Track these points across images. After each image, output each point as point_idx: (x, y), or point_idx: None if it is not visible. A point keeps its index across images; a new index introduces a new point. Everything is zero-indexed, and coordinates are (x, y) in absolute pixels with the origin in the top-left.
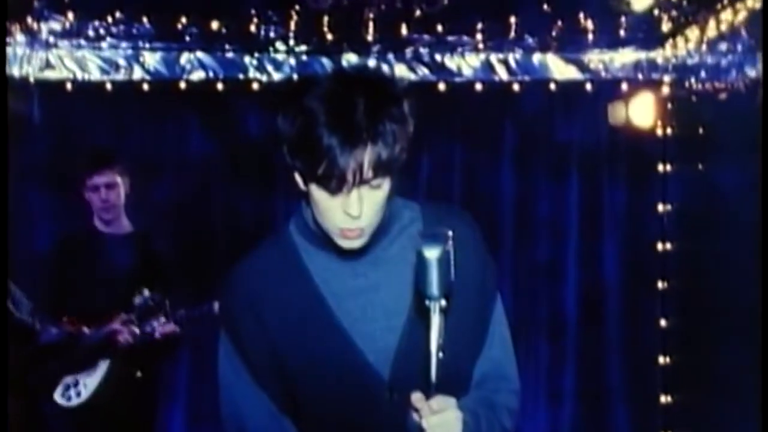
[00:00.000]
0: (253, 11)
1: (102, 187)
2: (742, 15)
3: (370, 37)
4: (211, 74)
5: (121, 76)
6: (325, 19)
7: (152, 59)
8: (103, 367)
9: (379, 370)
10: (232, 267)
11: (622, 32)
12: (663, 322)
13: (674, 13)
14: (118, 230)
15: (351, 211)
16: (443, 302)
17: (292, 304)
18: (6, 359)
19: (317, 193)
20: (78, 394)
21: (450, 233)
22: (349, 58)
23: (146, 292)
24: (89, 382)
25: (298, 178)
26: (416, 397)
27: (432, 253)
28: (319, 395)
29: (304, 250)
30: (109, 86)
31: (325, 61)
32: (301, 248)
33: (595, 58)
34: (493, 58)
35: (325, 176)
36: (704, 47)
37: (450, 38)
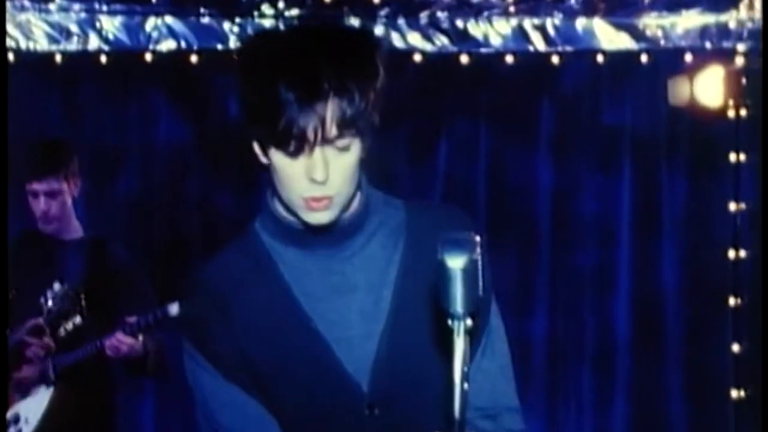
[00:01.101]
0: None
1: (42, 196)
2: None
3: None
4: (183, 44)
5: (73, 45)
6: None
7: (111, 25)
8: (44, 395)
9: (359, 381)
10: (192, 271)
11: None
12: (735, 347)
13: None
14: (66, 235)
15: (315, 175)
16: (469, 321)
17: (262, 307)
18: (5, 359)
19: (278, 159)
20: None
21: (477, 238)
22: (351, 24)
23: (57, 287)
24: (31, 416)
25: (257, 148)
26: None
27: (456, 262)
28: (295, 405)
29: (272, 247)
30: (58, 58)
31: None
32: (268, 246)
33: (652, 23)
34: (527, 24)
35: (283, 136)
36: None
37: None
